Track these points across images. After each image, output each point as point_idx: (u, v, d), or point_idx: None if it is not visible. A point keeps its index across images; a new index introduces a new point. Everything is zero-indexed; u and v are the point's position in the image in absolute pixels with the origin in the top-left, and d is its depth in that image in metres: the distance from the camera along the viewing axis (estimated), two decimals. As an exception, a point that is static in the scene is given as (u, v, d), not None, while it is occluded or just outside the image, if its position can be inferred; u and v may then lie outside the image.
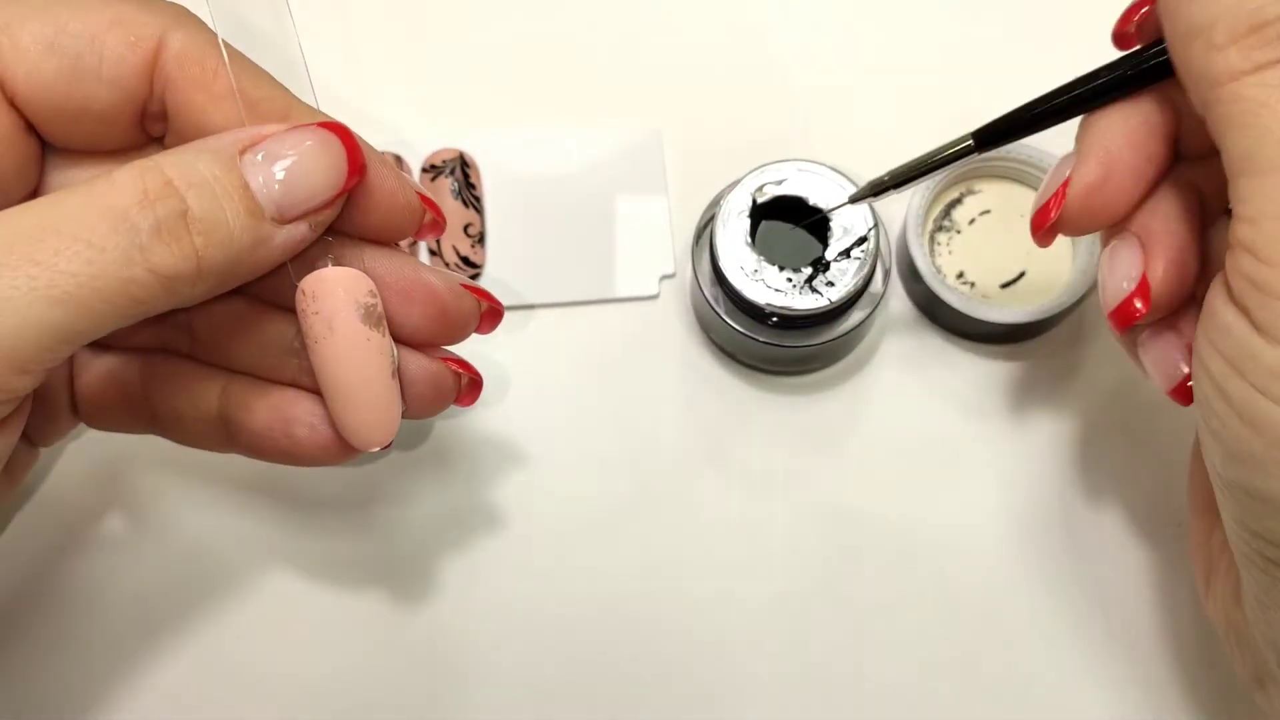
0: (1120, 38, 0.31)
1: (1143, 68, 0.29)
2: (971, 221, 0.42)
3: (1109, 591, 0.39)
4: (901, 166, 0.34)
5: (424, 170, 0.43)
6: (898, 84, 0.44)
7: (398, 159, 0.42)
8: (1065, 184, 0.30)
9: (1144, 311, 0.30)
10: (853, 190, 0.37)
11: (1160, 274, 0.30)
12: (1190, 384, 0.29)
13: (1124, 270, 0.30)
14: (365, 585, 0.40)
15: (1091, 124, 0.30)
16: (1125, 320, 0.30)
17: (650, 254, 0.42)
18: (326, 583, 0.40)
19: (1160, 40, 0.29)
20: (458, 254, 0.42)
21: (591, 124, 0.44)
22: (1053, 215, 0.30)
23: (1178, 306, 0.30)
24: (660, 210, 0.43)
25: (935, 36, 0.45)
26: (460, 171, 0.42)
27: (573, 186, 0.43)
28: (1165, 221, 0.30)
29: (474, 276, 0.42)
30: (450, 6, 0.45)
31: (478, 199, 0.42)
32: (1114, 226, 0.31)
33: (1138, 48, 0.30)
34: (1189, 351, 0.30)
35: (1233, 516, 0.28)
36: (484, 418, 0.41)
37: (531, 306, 0.42)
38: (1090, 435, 0.41)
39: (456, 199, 0.42)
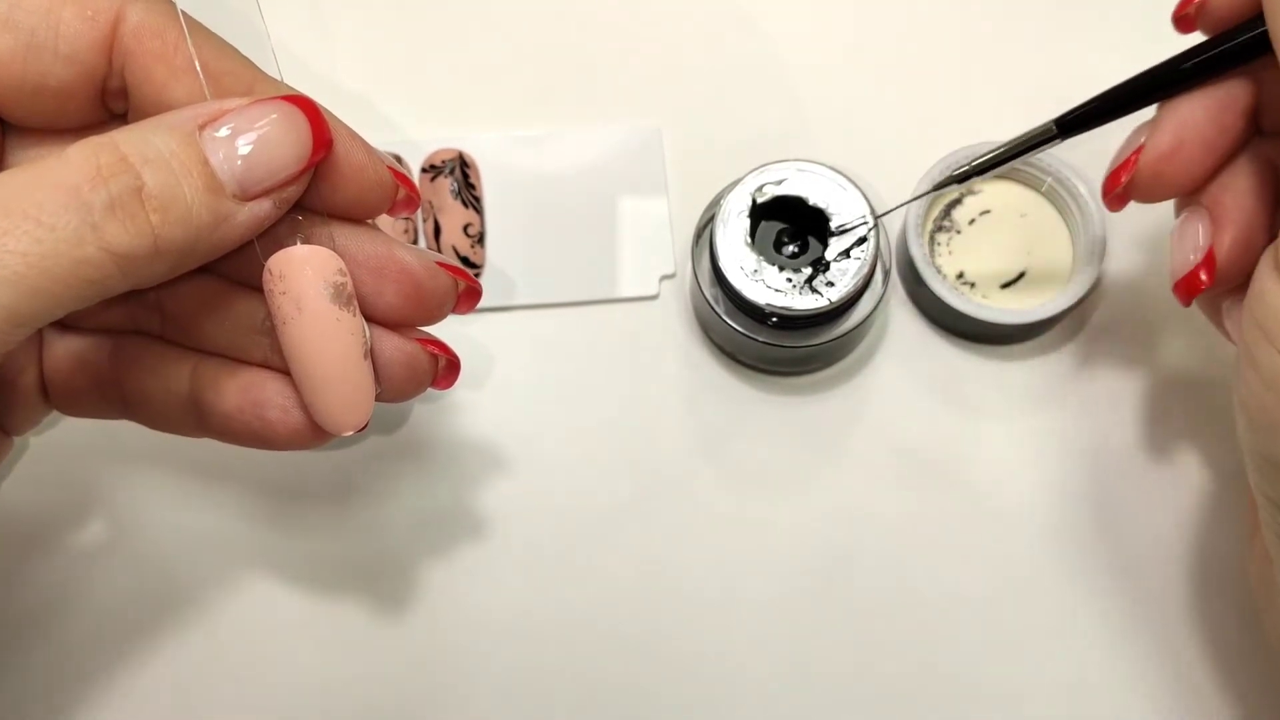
0: (1180, 21, 0.31)
1: (1225, 54, 0.29)
2: (971, 221, 0.41)
3: (1110, 589, 0.39)
4: (985, 154, 0.34)
5: (423, 170, 0.42)
6: (898, 84, 0.43)
7: (398, 159, 0.42)
8: (1138, 151, 0.30)
9: (1208, 283, 0.30)
10: (854, 189, 0.37)
11: (1226, 247, 0.30)
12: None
13: (1191, 242, 0.31)
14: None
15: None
16: (1190, 291, 0.31)
17: (650, 254, 0.42)
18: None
19: (1237, 28, 0.29)
20: (457, 254, 0.41)
21: (591, 124, 0.43)
22: (1123, 180, 0.31)
23: (1243, 280, 0.30)
24: (660, 210, 0.42)
25: (935, 37, 0.44)
26: (460, 171, 0.42)
27: (573, 186, 0.42)
28: (1236, 196, 0.30)
29: (473, 276, 0.41)
30: (450, 7, 0.44)
31: (477, 199, 0.42)
32: (1186, 197, 0.31)
33: (1223, 33, 0.30)
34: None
35: (1255, 485, 0.29)
36: (482, 417, 0.40)
37: (531, 306, 0.41)
38: (1090, 435, 0.40)
39: (456, 199, 0.42)
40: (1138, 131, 0.31)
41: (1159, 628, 0.38)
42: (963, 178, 0.35)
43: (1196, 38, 0.31)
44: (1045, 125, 0.32)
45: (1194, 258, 0.30)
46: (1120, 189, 0.31)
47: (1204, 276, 0.30)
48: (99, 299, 0.24)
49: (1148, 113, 0.31)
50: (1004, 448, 0.40)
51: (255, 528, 0.39)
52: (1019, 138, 0.33)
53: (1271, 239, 0.30)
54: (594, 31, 0.44)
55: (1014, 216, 0.41)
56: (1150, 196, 0.31)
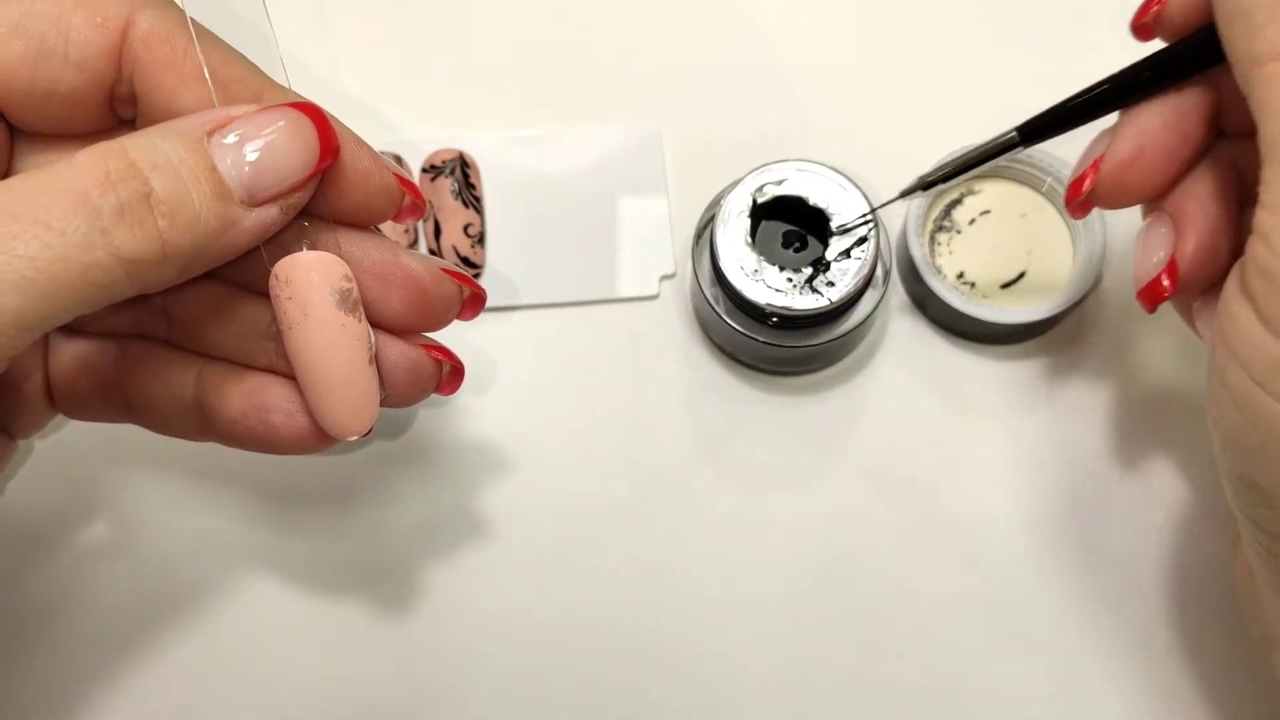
0: (1139, 29, 0.31)
1: (1183, 61, 0.30)
2: (971, 221, 0.41)
3: (1111, 589, 0.38)
4: (946, 162, 0.35)
5: (424, 170, 0.42)
6: (897, 84, 0.43)
7: (398, 159, 0.42)
8: (1100, 159, 0.30)
9: (1171, 290, 0.30)
10: (854, 189, 0.37)
11: (1189, 254, 0.30)
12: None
13: (1154, 249, 0.31)
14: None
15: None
16: (1153, 298, 0.31)
17: (650, 254, 0.42)
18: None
19: (1198, 33, 0.29)
20: (458, 254, 0.41)
21: (591, 124, 0.43)
22: (1085, 188, 0.31)
23: (1209, 285, 0.31)
24: (660, 210, 0.42)
25: (934, 37, 0.44)
26: (460, 171, 0.42)
27: (573, 186, 0.42)
28: (1199, 202, 0.30)
29: (474, 277, 0.41)
30: (450, 7, 0.44)
31: (478, 199, 0.42)
32: (1149, 204, 0.31)
33: (1180, 39, 0.30)
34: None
35: (1231, 502, 0.29)
36: (482, 418, 0.40)
37: (532, 306, 0.41)
38: (1090, 435, 0.40)
39: (456, 199, 0.42)
40: (1099, 139, 0.31)
41: (1160, 627, 0.38)
42: (926, 185, 0.35)
43: (1158, 44, 0.31)
44: (1009, 133, 0.33)
45: (1157, 263, 0.30)
46: (1083, 196, 0.31)
47: (1167, 283, 0.30)
48: (106, 304, 0.24)
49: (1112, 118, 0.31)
50: (1004, 447, 0.40)
51: (258, 530, 0.39)
52: (982, 145, 0.33)
53: (1234, 244, 0.30)
54: (594, 31, 0.44)
55: (1014, 216, 0.41)
56: (1112, 203, 0.31)
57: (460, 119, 0.43)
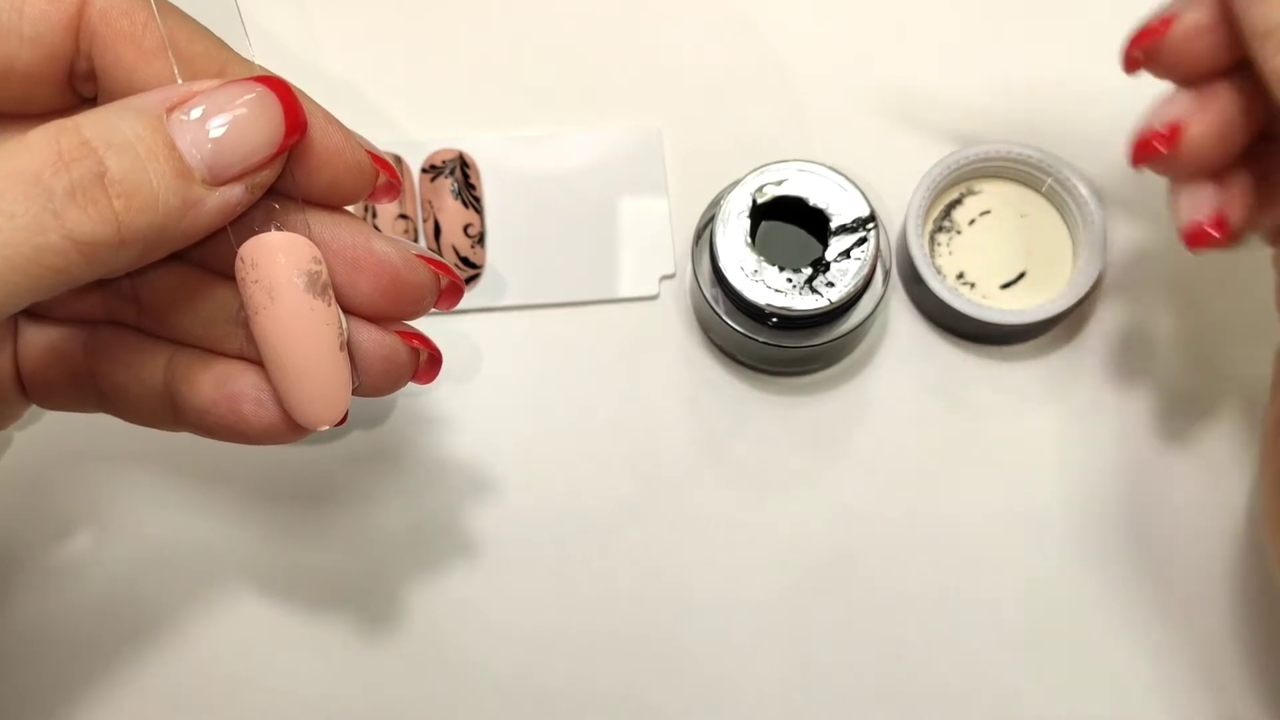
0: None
1: None
2: (971, 221, 0.40)
3: (1109, 592, 0.38)
4: None
5: (424, 170, 0.41)
6: (897, 84, 0.43)
7: (398, 159, 0.41)
8: (1171, 18, 0.29)
9: (1165, 150, 0.29)
10: (854, 189, 0.36)
11: (1201, 127, 0.29)
12: (1202, 228, 0.30)
13: (1168, 110, 0.30)
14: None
15: None
16: (1144, 152, 0.30)
17: (650, 254, 0.41)
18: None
19: None
20: (458, 254, 0.40)
21: (591, 124, 0.42)
22: (1150, 41, 0.29)
23: (1199, 170, 0.30)
24: (660, 210, 0.41)
25: (934, 37, 0.43)
26: (460, 171, 0.41)
27: (573, 186, 0.41)
28: (1233, 89, 0.29)
29: (474, 277, 0.40)
30: (450, 6, 0.44)
31: (477, 199, 0.41)
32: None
33: None
34: (1216, 203, 0.30)
35: None
36: (480, 419, 0.40)
37: (531, 306, 0.41)
38: (1090, 436, 0.39)
39: (456, 199, 0.41)
40: (1175, 3, 0.30)
41: (1162, 628, 0.38)
42: None
43: None
44: None
45: (1164, 122, 0.29)
46: (1146, 46, 0.30)
47: (1163, 146, 0.29)
48: (64, 288, 0.23)
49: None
50: (1003, 448, 0.39)
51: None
52: None
53: (1244, 144, 0.30)
54: (594, 31, 0.43)
55: (1014, 216, 0.40)
56: (1167, 66, 0.30)
57: (460, 119, 0.42)
